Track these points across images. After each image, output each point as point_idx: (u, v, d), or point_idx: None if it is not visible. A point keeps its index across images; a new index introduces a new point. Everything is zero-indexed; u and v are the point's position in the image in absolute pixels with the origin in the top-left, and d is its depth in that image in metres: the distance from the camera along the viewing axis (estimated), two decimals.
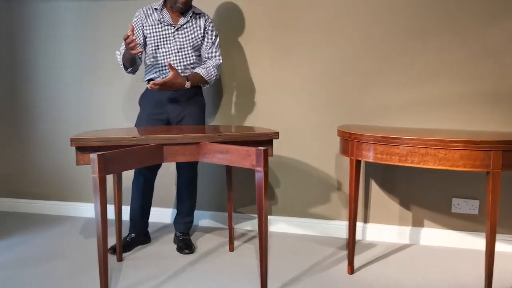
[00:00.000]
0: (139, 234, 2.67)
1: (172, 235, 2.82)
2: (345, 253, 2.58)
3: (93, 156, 1.74)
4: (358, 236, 2.81)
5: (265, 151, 1.89)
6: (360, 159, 2.17)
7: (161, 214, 3.12)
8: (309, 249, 2.65)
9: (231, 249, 2.59)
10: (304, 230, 2.92)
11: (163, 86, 2.33)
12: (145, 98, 2.60)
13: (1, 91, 3.31)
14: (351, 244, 2.28)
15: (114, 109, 3.13)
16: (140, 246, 2.66)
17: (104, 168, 1.77)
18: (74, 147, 1.94)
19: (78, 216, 3.24)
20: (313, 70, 2.81)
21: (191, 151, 2.09)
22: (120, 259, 2.44)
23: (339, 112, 2.80)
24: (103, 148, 1.95)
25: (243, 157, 1.95)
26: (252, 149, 1.91)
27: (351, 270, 2.30)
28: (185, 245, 2.58)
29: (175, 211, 2.84)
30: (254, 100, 2.91)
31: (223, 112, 2.98)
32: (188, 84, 2.41)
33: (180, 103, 2.53)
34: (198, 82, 2.52)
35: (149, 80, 2.56)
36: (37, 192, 3.36)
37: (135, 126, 2.59)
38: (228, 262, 2.43)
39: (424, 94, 2.66)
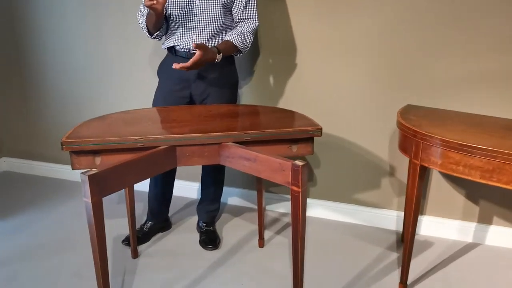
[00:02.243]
0: (158, 221, 2.36)
1: (196, 218, 2.50)
2: (395, 256, 2.19)
3: (83, 177, 1.36)
4: None
5: (304, 167, 1.45)
6: (427, 165, 1.69)
7: (186, 188, 2.79)
8: (351, 246, 2.27)
9: (261, 244, 2.25)
10: (345, 217, 2.53)
11: (191, 67, 1.86)
12: (164, 70, 2.13)
13: (5, 54, 2.92)
14: (405, 270, 1.88)
15: (129, 67, 2.70)
16: (159, 235, 2.36)
17: (98, 191, 1.40)
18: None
19: None
20: (368, 30, 2.23)
21: (211, 152, 1.67)
22: (135, 255, 2.15)
23: (398, 83, 2.26)
24: (101, 152, 1.58)
25: (274, 171, 1.52)
26: (287, 163, 1.47)
27: None
28: (208, 239, 2.25)
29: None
30: (295, 63, 2.38)
31: (257, 82, 2.48)
32: (219, 57, 1.93)
33: (206, 78, 2.07)
34: (231, 52, 2.03)
35: (169, 48, 2.09)
36: (50, 155, 3.09)
37: (153, 103, 2.16)
38: (257, 265, 2.10)
39: (505, 65, 2.07)
